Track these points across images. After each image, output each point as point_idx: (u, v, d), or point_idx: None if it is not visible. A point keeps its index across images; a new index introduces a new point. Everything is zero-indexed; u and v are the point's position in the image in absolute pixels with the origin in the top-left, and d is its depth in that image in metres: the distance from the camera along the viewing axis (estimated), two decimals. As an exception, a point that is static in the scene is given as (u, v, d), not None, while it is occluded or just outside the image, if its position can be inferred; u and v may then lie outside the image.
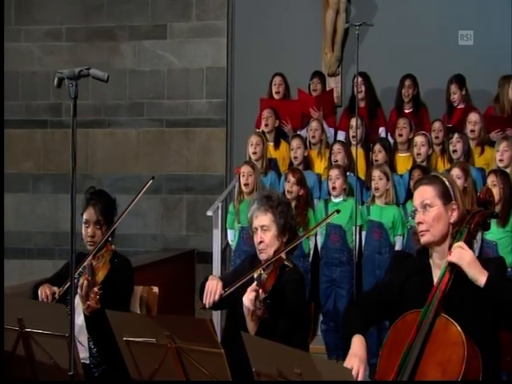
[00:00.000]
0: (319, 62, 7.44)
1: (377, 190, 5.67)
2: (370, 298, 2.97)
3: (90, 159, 7.99)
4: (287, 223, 3.35)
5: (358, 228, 5.68)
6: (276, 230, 3.32)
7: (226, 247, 6.55)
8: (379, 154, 6.12)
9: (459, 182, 5.24)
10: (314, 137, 6.52)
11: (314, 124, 6.57)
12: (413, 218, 2.88)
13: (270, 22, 7.62)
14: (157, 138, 7.89)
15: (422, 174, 5.37)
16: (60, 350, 2.77)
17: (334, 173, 5.77)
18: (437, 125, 6.32)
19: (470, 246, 2.78)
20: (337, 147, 6.22)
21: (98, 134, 8.01)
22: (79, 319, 3.51)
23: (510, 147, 5.60)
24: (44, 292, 3.54)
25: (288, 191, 5.73)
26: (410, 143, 6.29)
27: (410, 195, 5.38)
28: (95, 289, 3.28)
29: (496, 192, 4.93)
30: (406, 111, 6.81)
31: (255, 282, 3.06)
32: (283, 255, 3.32)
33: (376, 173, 5.68)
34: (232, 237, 6.08)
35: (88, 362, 3.51)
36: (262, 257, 3.32)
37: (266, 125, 6.62)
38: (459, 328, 2.57)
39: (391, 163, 6.14)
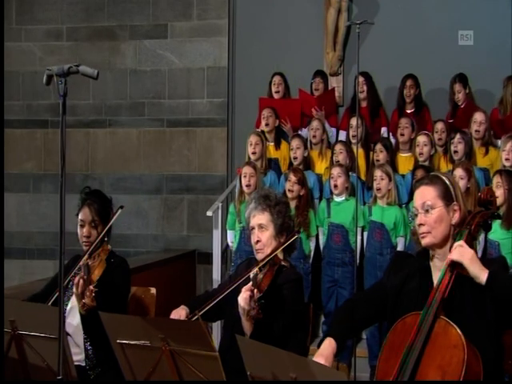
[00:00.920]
0: (321, 62, 7.40)
1: (379, 191, 5.62)
2: (365, 298, 2.94)
3: (91, 159, 7.98)
4: (285, 223, 3.33)
5: (359, 229, 5.64)
6: (273, 229, 3.30)
7: (226, 248, 6.51)
8: (380, 154, 6.07)
9: (462, 183, 5.19)
10: (314, 136, 6.46)
11: (314, 123, 6.51)
12: (413, 219, 2.83)
13: (271, 21, 7.58)
14: (158, 138, 7.86)
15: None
16: (53, 353, 2.73)
17: (336, 171, 5.72)
18: (439, 125, 6.25)
19: (471, 246, 2.73)
20: (339, 147, 6.16)
21: (98, 134, 7.99)
22: (75, 320, 3.49)
23: (517, 146, 5.53)
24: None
25: (289, 190, 5.68)
26: (411, 143, 6.25)
27: (412, 196, 5.32)
28: (91, 287, 3.26)
29: (501, 193, 4.87)
30: (408, 111, 6.76)
31: (251, 282, 3.03)
32: (280, 255, 3.28)
33: (378, 173, 5.63)
34: (232, 238, 6.02)
35: (84, 364, 3.49)
36: (259, 256, 3.30)
37: (267, 124, 6.54)
38: (459, 331, 2.55)
39: (392, 163, 6.08)
